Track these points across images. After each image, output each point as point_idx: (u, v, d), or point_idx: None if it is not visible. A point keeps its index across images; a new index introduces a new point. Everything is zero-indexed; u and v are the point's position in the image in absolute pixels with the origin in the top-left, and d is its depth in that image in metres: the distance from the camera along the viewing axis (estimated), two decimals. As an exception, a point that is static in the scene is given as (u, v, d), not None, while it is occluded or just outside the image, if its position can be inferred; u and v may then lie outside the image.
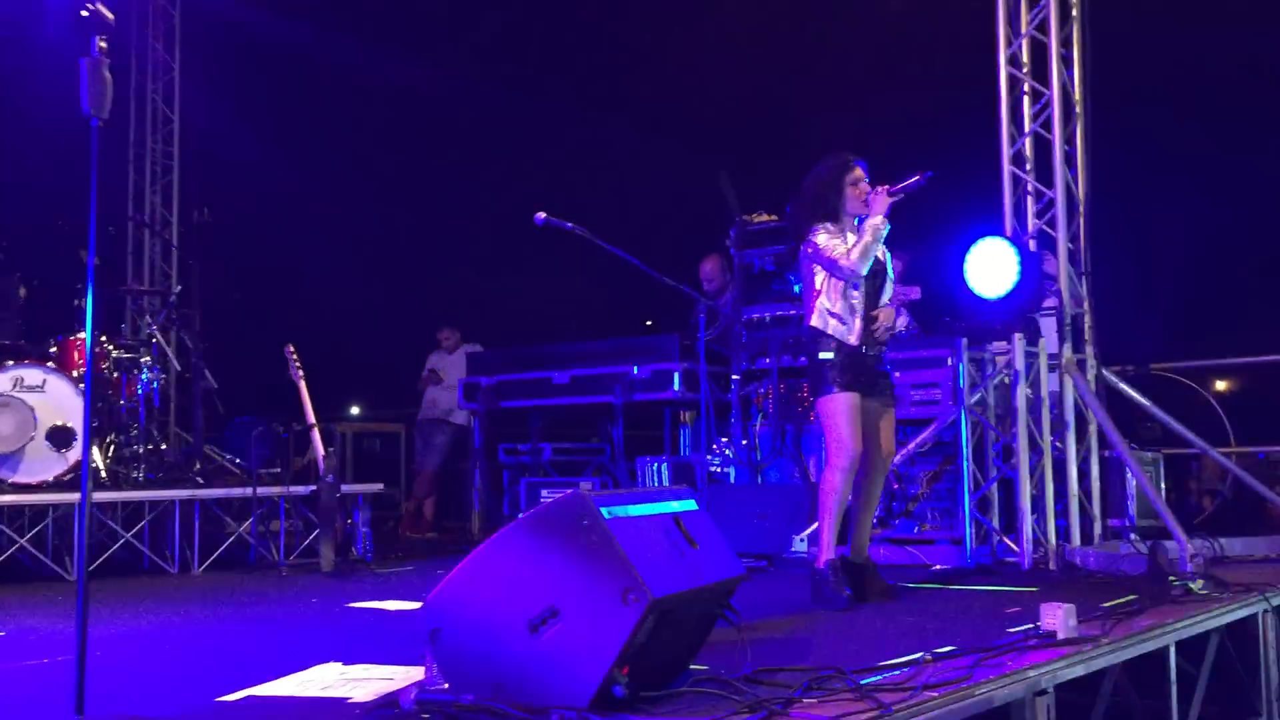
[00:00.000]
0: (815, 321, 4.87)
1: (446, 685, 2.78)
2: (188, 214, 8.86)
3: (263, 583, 6.13)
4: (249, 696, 3.13)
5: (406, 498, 10.63)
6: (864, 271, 4.77)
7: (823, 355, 4.81)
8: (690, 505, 3.24)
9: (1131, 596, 4.74)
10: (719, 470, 7.45)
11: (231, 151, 11.05)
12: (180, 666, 3.76)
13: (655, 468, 7.25)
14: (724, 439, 7.41)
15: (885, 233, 4.80)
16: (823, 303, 4.83)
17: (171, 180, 11.13)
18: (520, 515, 7.82)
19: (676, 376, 7.17)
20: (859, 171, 4.90)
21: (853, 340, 4.79)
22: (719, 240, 7.81)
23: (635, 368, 7.32)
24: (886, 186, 4.82)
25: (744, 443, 7.21)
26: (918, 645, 3.60)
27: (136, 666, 3.70)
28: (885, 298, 4.98)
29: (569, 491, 2.78)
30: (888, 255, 5.01)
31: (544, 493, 7.68)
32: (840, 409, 4.74)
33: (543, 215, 5.42)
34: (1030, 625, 3.85)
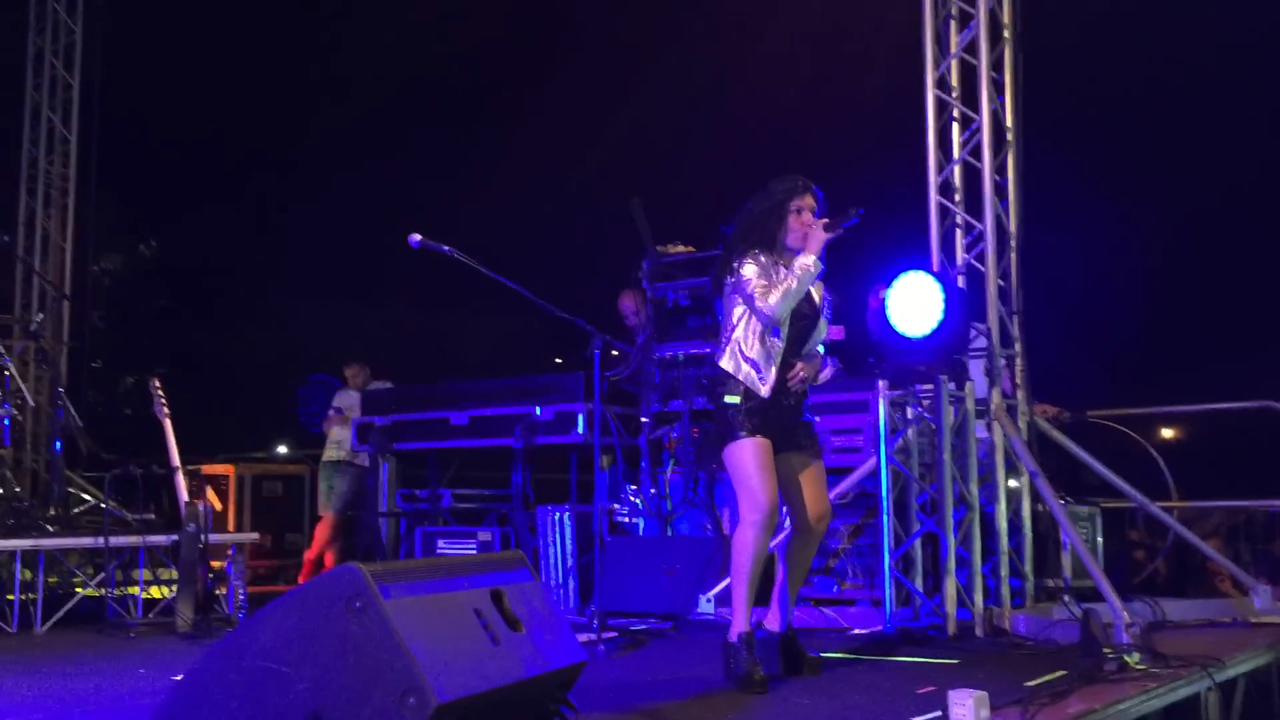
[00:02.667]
0: (726, 363, 4.34)
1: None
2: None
3: (103, 645, 5.47)
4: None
5: (309, 546, 9.95)
6: (781, 317, 4.25)
7: (728, 399, 4.29)
8: (521, 579, 2.68)
9: (1060, 673, 4.23)
10: (628, 520, 6.88)
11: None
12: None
13: (557, 517, 6.67)
14: (633, 486, 6.85)
15: (815, 275, 4.27)
16: (737, 343, 4.30)
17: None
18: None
19: (581, 418, 6.61)
20: (809, 200, 4.36)
21: (764, 391, 4.26)
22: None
23: (538, 408, 6.75)
24: (825, 220, 4.31)
25: (653, 491, 6.65)
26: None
27: None
28: (813, 343, 4.45)
29: (343, 565, 2.20)
30: (824, 295, 4.49)
31: (440, 543, 7.07)
32: (748, 456, 4.21)
33: (418, 237, 4.88)
34: (936, 714, 3.31)
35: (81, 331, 10.04)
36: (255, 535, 6.72)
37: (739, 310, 4.30)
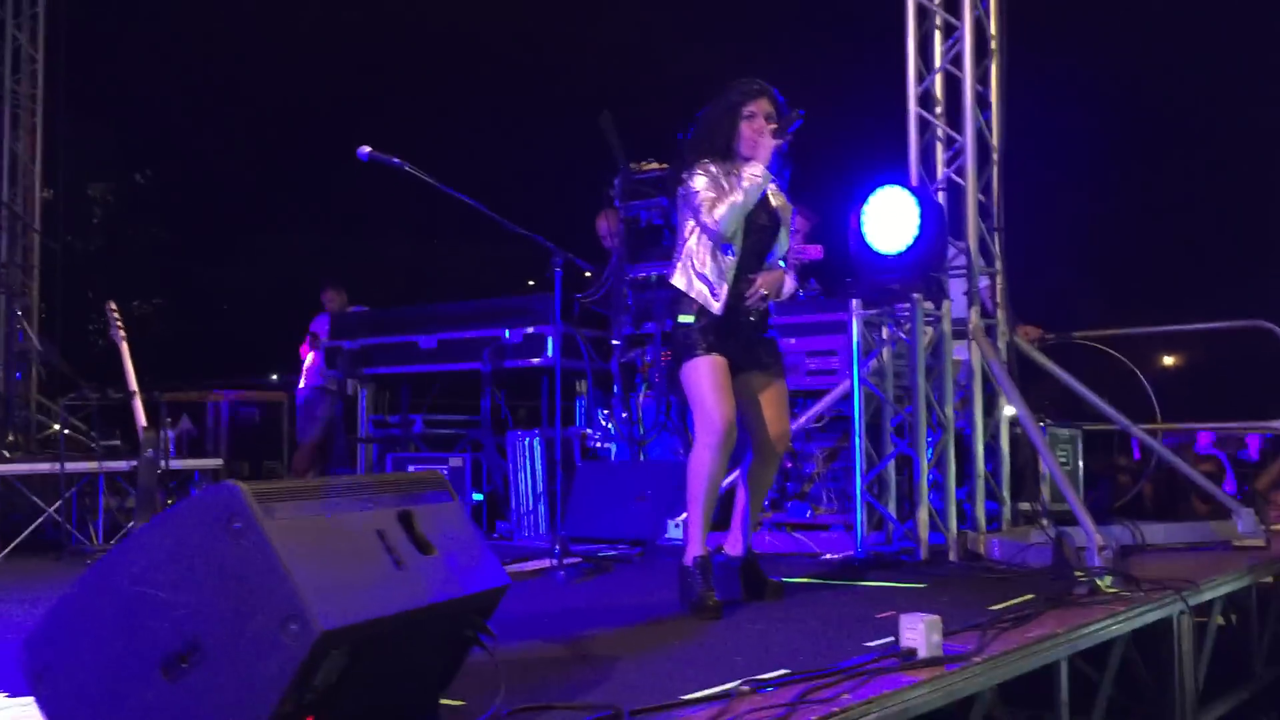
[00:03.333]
0: (678, 280, 4.15)
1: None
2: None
3: (56, 571, 5.36)
4: None
5: (289, 473, 9.85)
6: (728, 231, 4.04)
7: (682, 318, 4.11)
8: (437, 500, 2.52)
9: (1028, 596, 4.10)
10: (600, 446, 6.74)
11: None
12: None
13: (527, 443, 6.53)
14: (605, 411, 6.70)
15: (764, 185, 4.05)
16: (689, 258, 4.10)
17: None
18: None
19: (550, 341, 6.43)
20: (764, 104, 4.10)
21: (717, 308, 4.06)
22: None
23: (506, 331, 6.57)
24: (773, 127, 4.08)
25: (624, 415, 6.50)
26: (752, 667, 2.93)
27: None
28: (775, 258, 4.24)
29: (221, 484, 2.04)
30: (786, 207, 4.26)
31: (411, 469, 6.93)
32: (703, 374, 4.03)
33: (367, 149, 4.66)
34: (890, 639, 3.18)
35: (51, 258, 9.87)
36: (219, 461, 6.57)
37: (690, 224, 4.10)
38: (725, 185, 4.02)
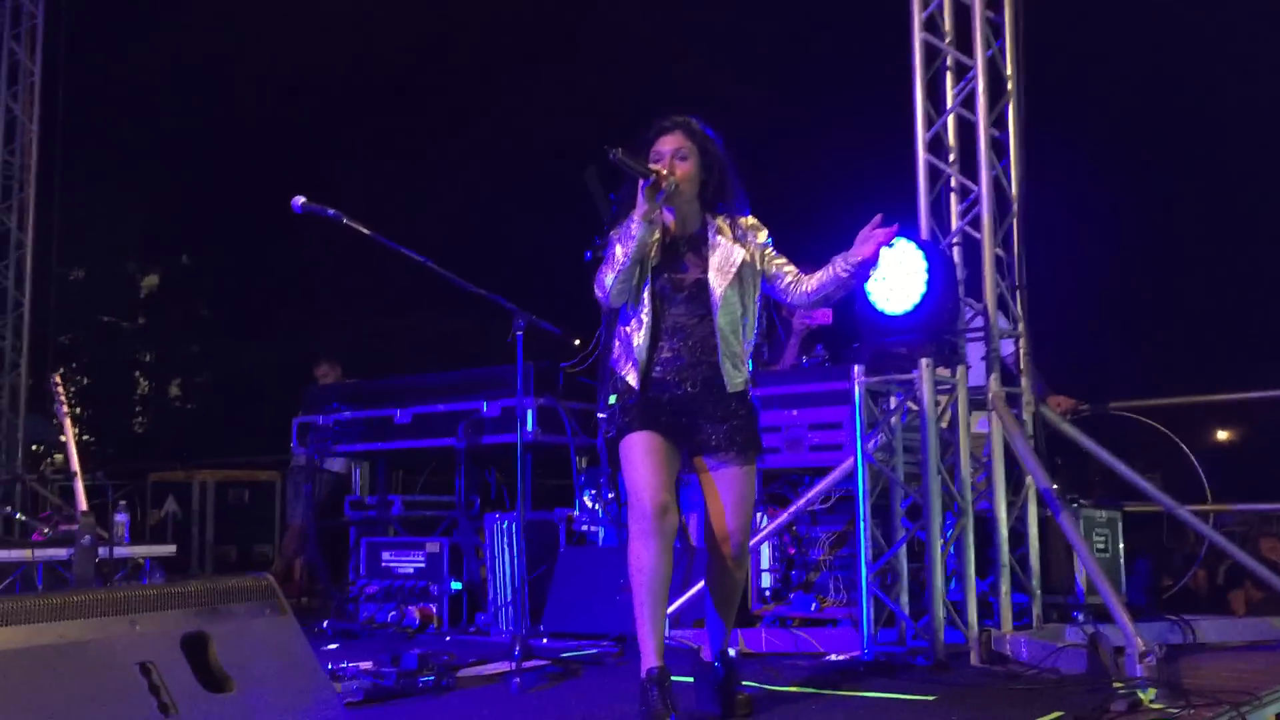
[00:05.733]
0: (616, 353, 3.64)
1: None
2: None
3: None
4: None
5: (279, 557, 9.32)
6: (615, 296, 3.47)
7: (611, 398, 3.56)
8: (255, 615, 1.95)
9: (1055, 716, 3.45)
10: (589, 529, 6.14)
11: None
12: None
13: (504, 526, 5.94)
14: (594, 491, 6.11)
15: (645, 237, 3.39)
16: (619, 329, 3.57)
17: None
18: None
19: (530, 414, 5.88)
20: (670, 141, 3.52)
21: (633, 383, 3.51)
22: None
23: (484, 404, 6.03)
24: (688, 163, 3.52)
25: (610, 496, 5.91)
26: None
27: None
28: (724, 323, 3.50)
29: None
30: (736, 260, 3.51)
31: (385, 556, 6.37)
32: (625, 455, 3.50)
33: (301, 200, 4.20)
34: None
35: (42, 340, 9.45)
36: (171, 549, 6.04)
37: None
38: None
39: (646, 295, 3.50)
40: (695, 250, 3.56)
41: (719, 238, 3.56)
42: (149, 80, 17.66)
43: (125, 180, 19.62)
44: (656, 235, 3.51)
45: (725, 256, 3.54)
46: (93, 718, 1.59)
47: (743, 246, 3.58)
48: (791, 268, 3.65)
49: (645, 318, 3.50)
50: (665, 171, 3.45)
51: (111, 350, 22.56)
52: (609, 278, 3.46)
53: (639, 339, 3.50)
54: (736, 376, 3.56)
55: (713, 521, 3.57)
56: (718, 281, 3.51)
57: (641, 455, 3.43)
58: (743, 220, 3.64)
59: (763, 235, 3.64)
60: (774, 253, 3.65)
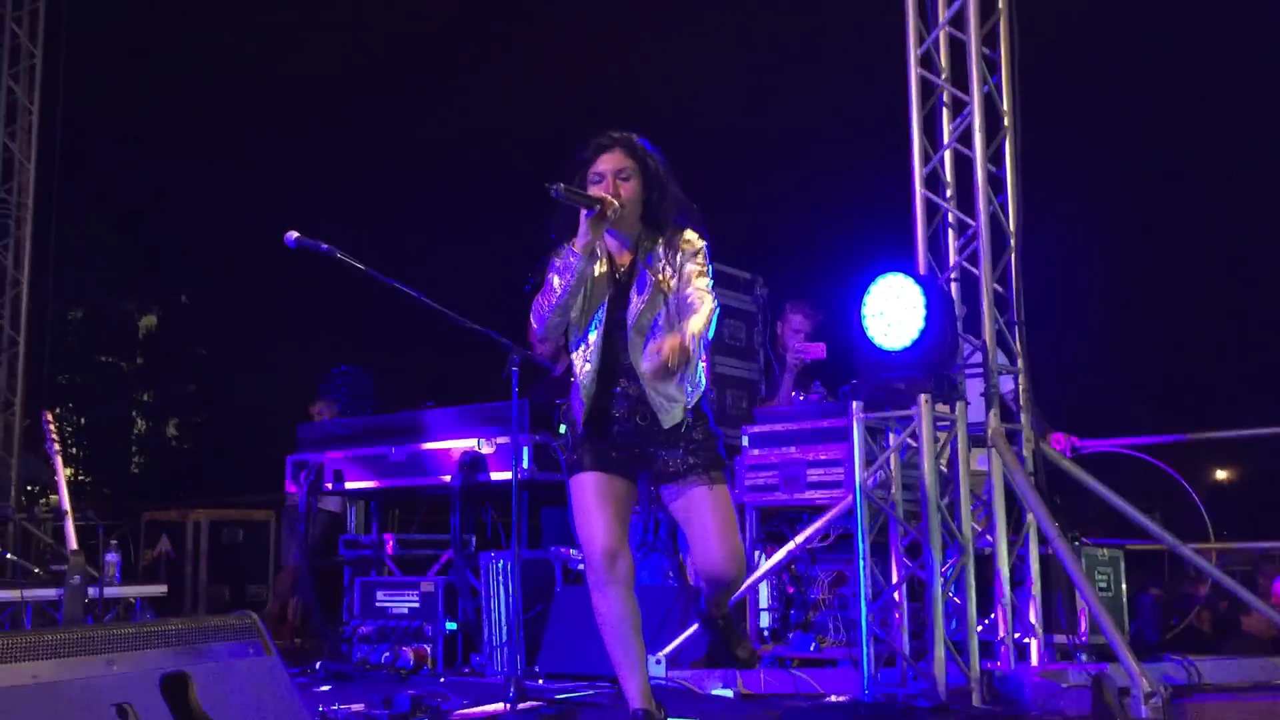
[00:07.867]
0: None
1: None
2: None
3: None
4: None
5: (273, 598, 9.22)
6: (550, 334, 3.40)
7: (562, 429, 3.50)
8: (238, 655, 1.90)
9: (1058, 759, 3.38)
10: (584, 568, 6.06)
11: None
12: None
13: (500, 565, 5.88)
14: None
15: (584, 269, 3.28)
16: (571, 361, 3.49)
17: None
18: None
19: (526, 451, 5.82)
20: (607, 161, 3.37)
21: (579, 416, 3.42)
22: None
23: (479, 441, 5.97)
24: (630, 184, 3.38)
25: (607, 535, 5.83)
26: None
27: None
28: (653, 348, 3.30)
29: None
30: (657, 306, 3.35)
31: (380, 595, 6.30)
32: (573, 499, 3.41)
33: (294, 235, 4.17)
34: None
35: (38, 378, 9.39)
36: (162, 588, 5.96)
37: None
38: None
39: (594, 336, 3.39)
40: (638, 289, 3.41)
41: (650, 276, 3.38)
42: (147, 119, 17.78)
43: (122, 219, 19.69)
44: (597, 267, 3.38)
45: (649, 301, 3.37)
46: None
47: (675, 275, 3.38)
48: (693, 291, 3.34)
49: (593, 359, 3.39)
50: (609, 198, 3.33)
51: (109, 390, 22.52)
52: (545, 309, 3.36)
53: (586, 379, 3.40)
54: (671, 411, 3.36)
55: (698, 550, 3.41)
56: (634, 334, 3.37)
57: (588, 500, 3.35)
58: (682, 238, 3.41)
59: (700, 256, 3.40)
60: (697, 268, 3.39)
